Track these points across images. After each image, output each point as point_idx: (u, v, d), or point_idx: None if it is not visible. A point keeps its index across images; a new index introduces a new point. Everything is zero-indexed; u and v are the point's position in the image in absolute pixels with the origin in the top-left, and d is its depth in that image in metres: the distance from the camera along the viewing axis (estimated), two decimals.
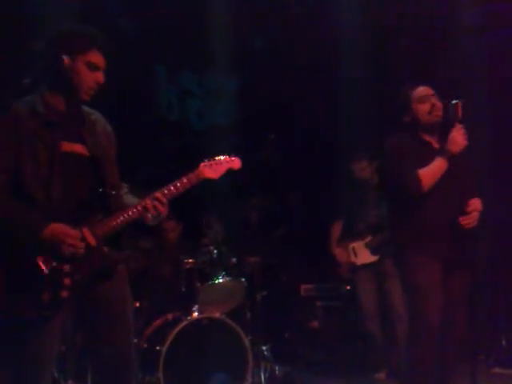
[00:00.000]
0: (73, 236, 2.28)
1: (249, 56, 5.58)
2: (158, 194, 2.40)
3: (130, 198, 2.49)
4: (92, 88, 2.39)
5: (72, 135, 2.39)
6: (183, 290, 3.97)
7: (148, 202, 2.38)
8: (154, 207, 2.38)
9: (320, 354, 4.78)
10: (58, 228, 2.27)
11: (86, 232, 2.30)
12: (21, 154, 2.30)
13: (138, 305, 3.95)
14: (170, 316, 3.87)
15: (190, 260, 4.00)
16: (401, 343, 4.31)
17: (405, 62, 4.97)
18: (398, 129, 3.16)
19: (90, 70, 2.37)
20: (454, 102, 2.96)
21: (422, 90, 3.06)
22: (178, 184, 2.45)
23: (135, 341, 3.63)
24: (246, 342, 3.70)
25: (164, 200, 2.40)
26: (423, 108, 3.02)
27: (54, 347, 2.38)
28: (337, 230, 4.67)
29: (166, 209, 2.42)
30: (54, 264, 2.26)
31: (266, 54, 5.56)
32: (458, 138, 2.91)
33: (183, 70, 5.81)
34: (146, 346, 3.78)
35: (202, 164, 2.54)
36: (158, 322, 3.87)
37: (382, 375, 4.44)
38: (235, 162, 2.61)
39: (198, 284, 3.93)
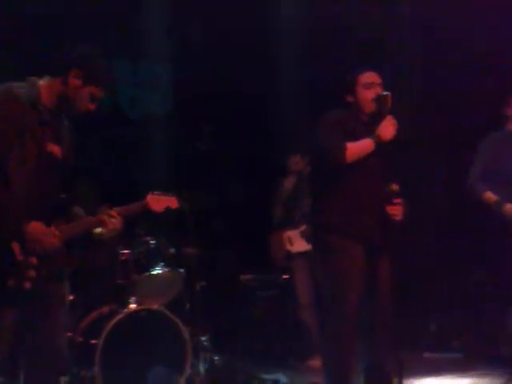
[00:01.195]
0: (49, 235, 2.38)
1: (185, 44, 5.51)
2: (112, 212, 2.55)
3: (77, 208, 2.64)
4: (80, 112, 2.52)
5: (53, 136, 2.48)
6: (119, 281, 3.88)
7: (105, 218, 2.53)
8: (111, 223, 2.53)
9: (258, 343, 4.81)
10: (38, 226, 2.38)
11: (56, 233, 2.41)
12: (12, 143, 2.36)
13: (72, 298, 3.82)
14: (105, 309, 3.78)
15: (126, 251, 3.92)
16: None
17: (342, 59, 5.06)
18: None
19: (89, 100, 2.52)
20: (385, 93, 3.02)
21: (369, 76, 3.09)
22: (130, 207, 2.64)
23: (70, 335, 3.53)
24: (185, 333, 3.66)
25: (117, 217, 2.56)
26: (367, 94, 3.05)
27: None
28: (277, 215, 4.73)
29: (121, 224, 2.58)
30: (23, 255, 2.35)
31: (203, 42, 5.50)
32: (389, 127, 2.97)
33: (116, 58, 5.66)
34: (81, 339, 3.68)
35: (150, 196, 2.69)
36: (93, 315, 3.77)
37: (316, 363, 4.51)
38: (173, 202, 2.77)
39: (135, 275, 3.86)
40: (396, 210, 2.95)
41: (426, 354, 4.77)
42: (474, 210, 4.22)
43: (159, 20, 5.36)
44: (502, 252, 4.00)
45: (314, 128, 3.09)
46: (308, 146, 3.40)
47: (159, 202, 2.72)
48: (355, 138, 2.98)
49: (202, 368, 3.89)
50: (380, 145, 2.97)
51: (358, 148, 2.96)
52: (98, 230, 2.66)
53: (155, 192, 2.72)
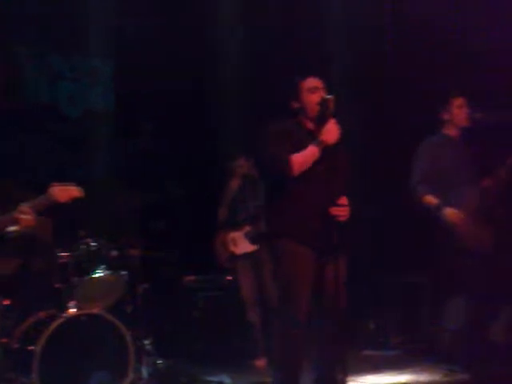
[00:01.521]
0: None
1: (125, 39, 5.39)
2: (24, 209, 2.62)
3: None
4: None
5: None
6: (58, 285, 3.76)
7: (18, 215, 2.61)
8: (25, 220, 2.60)
9: (202, 345, 4.78)
10: None
11: None
12: None
13: (8, 303, 3.67)
14: (43, 314, 3.65)
15: (66, 254, 3.80)
16: None
17: (284, 61, 5.09)
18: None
19: None
20: (327, 96, 3.08)
21: (312, 81, 3.14)
22: (37, 202, 2.76)
23: (5, 341, 3.39)
24: (128, 337, 3.59)
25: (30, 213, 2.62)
26: (313, 98, 3.09)
27: None
28: (222, 217, 4.70)
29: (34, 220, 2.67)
30: None
31: (144, 37, 5.40)
32: (332, 130, 3.02)
33: (52, 53, 5.48)
34: (17, 346, 3.54)
35: (51, 187, 2.82)
36: (30, 321, 3.63)
37: (261, 363, 4.54)
38: (75, 191, 2.93)
39: (75, 279, 3.75)
40: (341, 211, 3.00)
41: (366, 352, 4.87)
42: (412, 209, 4.34)
43: (98, 15, 5.23)
44: (442, 252, 4.11)
45: (261, 138, 3.12)
46: (256, 158, 3.41)
47: (62, 192, 2.87)
48: (301, 146, 3.01)
49: (145, 372, 3.83)
50: (325, 149, 3.00)
51: (304, 158, 3.00)
52: (13, 227, 2.71)
53: (56, 183, 2.85)
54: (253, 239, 4.58)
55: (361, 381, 3.92)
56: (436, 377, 3.95)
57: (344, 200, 3.08)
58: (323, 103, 3.06)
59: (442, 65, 4.98)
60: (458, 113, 4.13)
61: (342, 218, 3.00)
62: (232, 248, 4.64)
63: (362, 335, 5.08)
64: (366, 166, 5.10)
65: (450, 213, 4.00)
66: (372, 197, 5.12)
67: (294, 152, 2.99)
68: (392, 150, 5.12)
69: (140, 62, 5.25)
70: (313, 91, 3.10)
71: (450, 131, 4.17)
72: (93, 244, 3.87)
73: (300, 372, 3.05)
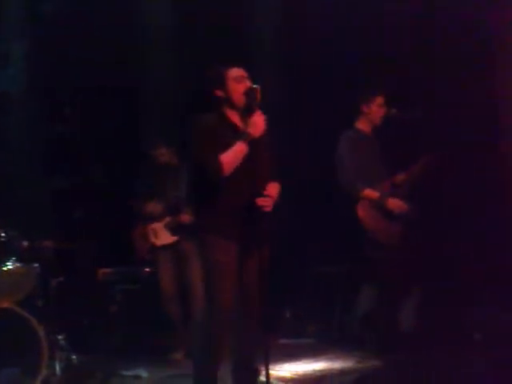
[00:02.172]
0: None
1: (39, 19, 5.14)
2: None
3: None
4: None
5: None
6: None
7: None
8: None
9: (119, 339, 4.67)
10: None
11: None
12: None
13: None
14: None
15: None
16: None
17: (210, 49, 5.06)
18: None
19: None
20: (254, 86, 3.05)
21: (237, 70, 3.11)
22: None
23: None
24: (40, 332, 3.45)
25: None
26: (238, 88, 3.06)
27: None
28: (138, 209, 4.59)
29: None
30: None
31: (59, 18, 5.18)
32: (259, 122, 3.01)
33: None
34: None
35: None
36: None
37: (179, 355, 4.51)
38: None
39: None
40: (266, 202, 3.01)
41: (282, 340, 4.96)
42: (331, 202, 4.45)
43: None
44: (355, 243, 4.24)
45: (188, 137, 3.09)
46: (185, 157, 3.37)
47: None
48: (226, 141, 3.00)
49: (58, 368, 3.70)
50: (252, 141, 3.00)
51: (233, 156, 2.98)
52: None
53: None
54: (174, 230, 4.52)
55: (277, 369, 3.98)
56: (349, 363, 4.07)
57: (274, 187, 3.11)
58: (250, 93, 3.03)
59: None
60: (377, 111, 4.23)
61: (266, 209, 3.01)
62: (152, 239, 4.55)
63: (278, 324, 5.16)
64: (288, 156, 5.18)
65: (392, 202, 4.11)
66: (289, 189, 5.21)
67: (221, 150, 2.97)
68: (315, 141, 5.21)
69: (60, 46, 5.04)
70: (238, 80, 3.07)
71: (364, 126, 4.27)
72: (2, 235, 3.68)
73: (220, 361, 3.08)
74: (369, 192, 4.09)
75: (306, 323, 5.24)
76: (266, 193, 3.03)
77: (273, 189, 3.10)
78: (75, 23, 5.09)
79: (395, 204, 4.11)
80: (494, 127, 4.76)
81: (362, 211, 4.09)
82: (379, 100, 4.23)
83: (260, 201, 2.99)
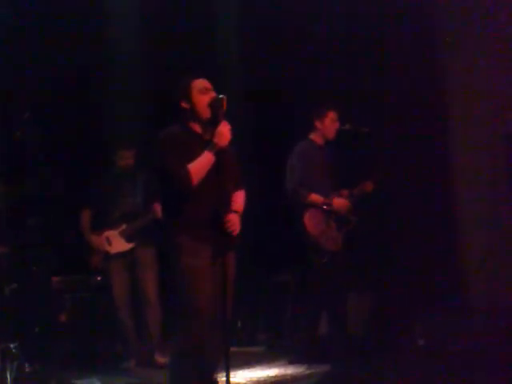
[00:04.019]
0: None
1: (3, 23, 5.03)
2: None
3: None
4: None
5: None
6: None
7: None
8: None
9: (69, 348, 4.59)
10: None
11: None
12: None
13: None
14: None
15: None
16: (152, 331, 4.43)
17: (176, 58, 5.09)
18: (167, 120, 3.23)
19: None
20: (220, 96, 3.09)
21: (202, 82, 3.16)
22: None
23: None
24: None
25: None
26: (203, 99, 3.11)
27: None
28: (86, 217, 4.56)
29: None
30: None
31: (19, 20, 5.07)
32: (225, 132, 3.06)
33: None
34: None
35: None
36: None
37: (131, 363, 4.48)
38: None
39: None
40: (232, 226, 3.07)
41: (234, 349, 5.01)
42: (279, 209, 4.54)
43: None
44: (301, 251, 4.34)
45: (154, 149, 3.11)
46: (153, 169, 3.39)
47: None
48: (192, 152, 3.04)
49: (9, 377, 3.62)
50: (218, 151, 3.05)
51: (201, 166, 3.03)
52: None
53: None
54: (129, 238, 4.49)
55: (231, 377, 4.02)
56: (301, 369, 4.16)
57: (240, 196, 3.20)
58: (216, 103, 3.08)
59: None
60: (330, 126, 4.36)
61: (233, 233, 3.07)
62: (106, 247, 4.49)
63: (229, 333, 5.19)
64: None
65: (337, 202, 4.26)
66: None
67: (187, 160, 3.01)
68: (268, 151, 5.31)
69: (21, 48, 4.94)
70: (203, 92, 3.13)
71: (318, 139, 4.40)
72: None
73: (200, 365, 3.06)
74: (314, 197, 4.21)
75: (256, 331, 5.33)
76: (232, 207, 3.11)
77: (238, 201, 3.18)
78: (36, 26, 5.00)
79: (339, 203, 4.26)
80: (442, 138, 4.98)
81: (307, 218, 4.21)
82: (331, 115, 4.36)
83: (228, 225, 3.04)
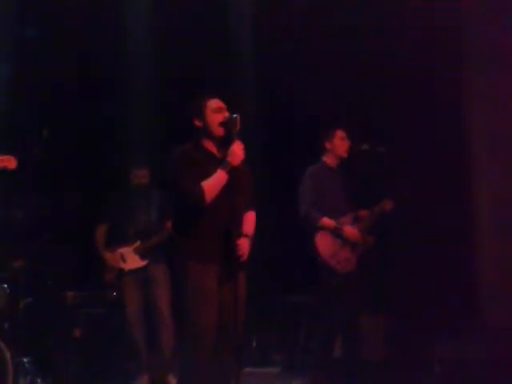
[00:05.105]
0: None
1: (21, 43, 5.15)
2: None
3: None
4: None
5: None
6: None
7: None
8: None
9: (82, 363, 4.59)
10: None
11: None
12: None
13: None
14: None
15: None
16: (164, 348, 4.44)
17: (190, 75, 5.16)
18: (181, 138, 3.27)
19: None
20: (234, 115, 3.13)
21: (216, 102, 3.21)
22: None
23: None
24: (7, 354, 3.39)
25: None
26: (216, 118, 3.16)
27: None
28: (101, 233, 4.60)
29: None
30: None
31: (42, 42, 5.20)
32: (238, 151, 3.09)
33: None
34: None
35: None
36: None
37: (143, 381, 4.47)
38: (10, 162, 2.45)
39: None
40: (242, 250, 3.09)
41: (248, 369, 4.97)
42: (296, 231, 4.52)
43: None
44: (315, 272, 4.31)
45: (169, 167, 3.16)
46: (167, 186, 3.44)
47: None
48: (205, 170, 3.08)
49: None
50: (231, 170, 3.08)
51: (214, 184, 3.06)
52: None
53: None
54: (143, 255, 4.50)
55: None
56: None
57: (251, 217, 3.21)
58: (230, 122, 3.12)
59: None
60: (340, 144, 4.31)
61: (242, 259, 3.08)
62: (121, 264, 4.51)
63: (244, 353, 5.17)
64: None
65: (348, 230, 4.21)
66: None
67: (201, 178, 3.05)
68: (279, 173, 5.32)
69: (39, 68, 5.06)
70: (217, 111, 3.17)
71: (330, 160, 4.35)
72: None
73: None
74: (325, 221, 4.17)
75: (271, 352, 5.28)
76: (243, 230, 3.13)
77: (248, 223, 3.19)
78: (56, 48, 5.11)
79: (349, 232, 4.21)
80: (459, 160, 4.94)
81: (318, 240, 4.18)
82: (340, 133, 4.32)
83: (238, 249, 3.06)
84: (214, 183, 3.05)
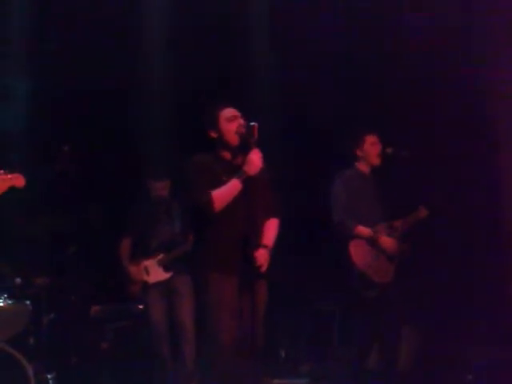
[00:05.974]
0: None
1: (42, 56, 5.24)
2: None
3: None
4: None
5: None
6: None
7: None
8: None
9: (108, 377, 4.61)
10: None
11: None
12: None
13: None
14: None
15: None
16: (187, 361, 4.40)
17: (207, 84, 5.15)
18: (198, 149, 3.25)
19: None
20: (251, 123, 3.09)
21: (229, 111, 3.18)
22: None
23: None
24: (29, 370, 3.41)
25: None
26: (230, 127, 3.14)
27: None
28: (125, 247, 4.60)
29: None
30: None
31: (62, 55, 5.27)
32: (255, 159, 3.04)
33: None
34: None
35: None
36: None
37: None
38: (19, 180, 2.48)
39: None
40: (261, 260, 3.05)
41: (276, 381, 4.90)
42: (327, 241, 4.43)
43: (15, 32, 5.07)
44: (347, 280, 4.21)
45: (183, 173, 3.15)
46: (180, 193, 3.44)
47: None
48: (221, 180, 3.05)
49: None
50: (248, 179, 3.04)
51: (226, 193, 3.03)
52: None
53: None
54: (167, 267, 4.48)
55: None
56: None
57: (273, 225, 3.17)
58: (247, 130, 3.08)
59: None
60: (370, 150, 4.19)
61: (262, 269, 3.05)
62: (145, 277, 4.49)
63: (272, 363, 5.10)
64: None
65: (385, 241, 4.09)
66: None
67: (214, 187, 3.02)
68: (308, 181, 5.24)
69: (59, 83, 5.12)
70: (231, 120, 3.14)
71: (362, 167, 4.24)
72: None
73: None
74: (360, 229, 4.05)
75: (300, 362, 5.20)
76: (263, 240, 3.10)
77: (270, 232, 3.15)
78: (75, 62, 5.18)
79: (386, 242, 4.08)
80: (490, 163, 4.79)
81: (353, 249, 4.06)
82: (370, 139, 4.21)
83: (257, 259, 3.03)
84: (225, 192, 3.02)
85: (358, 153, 4.23)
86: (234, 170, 3.08)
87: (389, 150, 4.21)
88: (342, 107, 5.13)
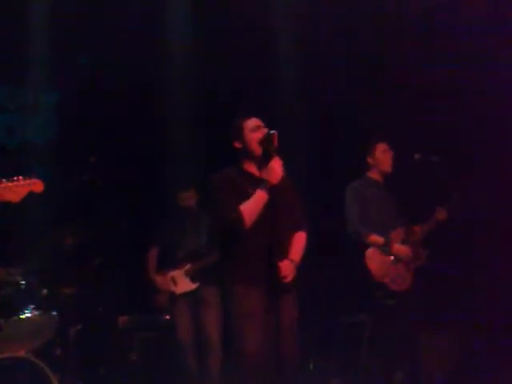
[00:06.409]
0: None
1: (71, 69, 5.32)
2: None
3: None
4: None
5: None
6: None
7: None
8: None
9: None
10: None
11: None
12: None
13: None
14: None
15: None
16: (212, 373, 4.35)
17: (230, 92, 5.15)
18: (225, 160, 3.22)
19: None
20: (271, 132, 3.08)
21: (253, 121, 3.17)
22: None
23: None
24: (54, 381, 3.41)
25: None
26: (255, 137, 3.12)
27: None
28: (152, 257, 4.59)
29: None
30: None
31: (90, 68, 5.35)
32: (276, 167, 3.02)
33: None
34: None
35: (1, 185, 2.39)
36: None
37: None
38: (37, 185, 2.48)
39: (1, 319, 3.55)
40: (287, 270, 3.01)
41: None
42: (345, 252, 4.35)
43: (44, 44, 5.16)
44: (376, 294, 4.11)
45: (208, 191, 3.14)
46: (208, 210, 3.40)
47: (15, 190, 2.36)
48: (246, 193, 3.03)
49: None
50: (271, 188, 3.00)
51: (254, 206, 3.00)
52: None
53: (4, 181, 2.36)
54: (194, 277, 4.45)
55: None
56: None
57: (300, 239, 3.14)
58: (267, 139, 3.07)
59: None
60: (382, 158, 4.15)
61: (287, 279, 3.01)
62: (172, 287, 4.48)
63: (301, 376, 5.02)
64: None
65: (398, 248, 4.04)
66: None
67: (241, 201, 2.99)
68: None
69: (86, 95, 5.18)
70: (255, 130, 3.13)
71: (374, 175, 4.20)
72: (22, 282, 3.69)
73: None
74: (374, 238, 4.01)
75: (330, 375, 5.10)
76: (289, 254, 3.06)
77: (297, 246, 3.11)
78: (104, 73, 5.24)
79: (399, 250, 4.03)
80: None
81: (370, 257, 4.01)
82: (381, 146, 4.16)
83: (281, 269, 2.98)
84: (253, 205, 2.99)
85: (370, 160, 4.20)
86: (258, 181, 3.06)
87: (417, 156, 4.16)
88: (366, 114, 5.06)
